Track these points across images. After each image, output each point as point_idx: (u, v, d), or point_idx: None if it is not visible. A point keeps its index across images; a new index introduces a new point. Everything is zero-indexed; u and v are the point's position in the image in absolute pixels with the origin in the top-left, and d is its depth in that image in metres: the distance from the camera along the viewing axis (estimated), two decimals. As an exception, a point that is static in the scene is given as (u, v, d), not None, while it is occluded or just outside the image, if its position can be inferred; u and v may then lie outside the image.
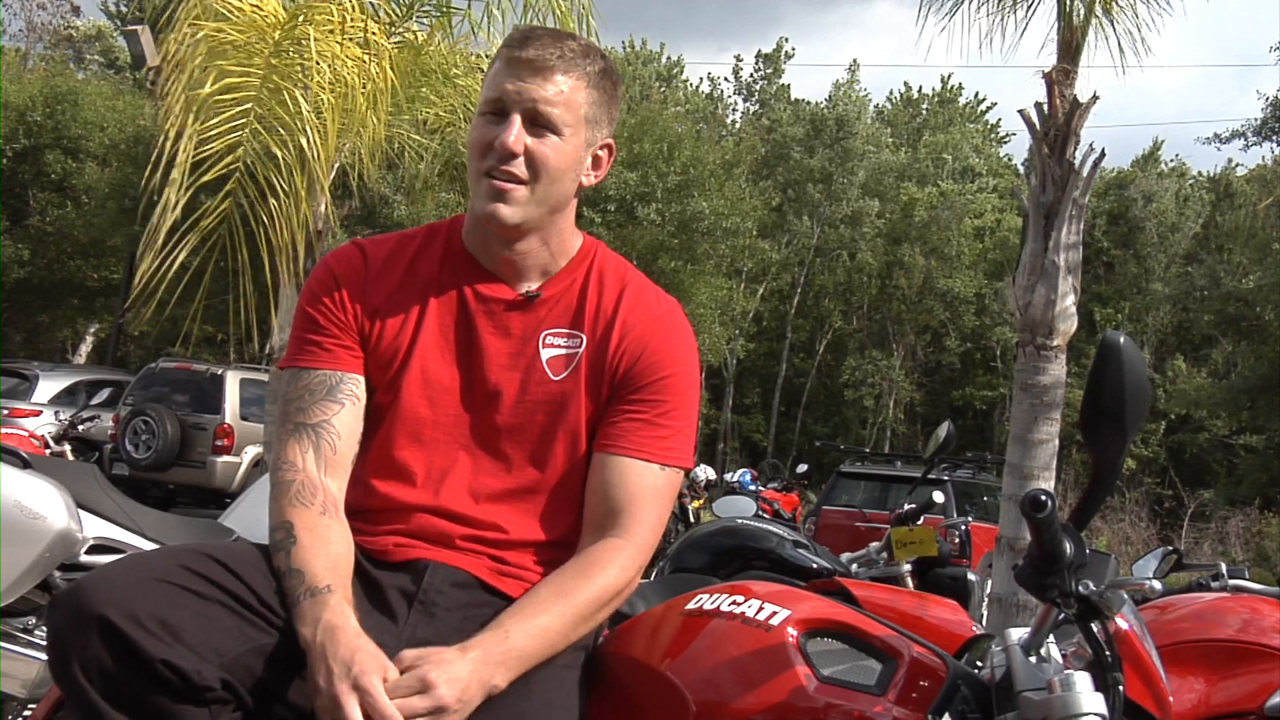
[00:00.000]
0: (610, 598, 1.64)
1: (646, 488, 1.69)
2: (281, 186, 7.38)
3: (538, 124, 1.67)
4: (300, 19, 7.36)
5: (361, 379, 1.73)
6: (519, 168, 1.67)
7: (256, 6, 7.45)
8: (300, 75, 7.32)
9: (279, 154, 7.34)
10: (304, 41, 7.25)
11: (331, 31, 7.32)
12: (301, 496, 1.64)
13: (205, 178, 7.16)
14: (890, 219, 31.21)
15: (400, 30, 8.06)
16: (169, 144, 7.16)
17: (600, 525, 1.68)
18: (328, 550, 1.59)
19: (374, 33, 7.51)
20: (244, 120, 7.20)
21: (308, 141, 7.18)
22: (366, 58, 7.34)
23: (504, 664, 1.51)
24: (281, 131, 7.33)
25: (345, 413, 1.70)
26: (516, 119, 1.66)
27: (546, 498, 1.72)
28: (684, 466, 1.74)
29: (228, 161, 7.18)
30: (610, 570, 1.64)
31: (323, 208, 7.91)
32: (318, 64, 7.14)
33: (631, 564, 1.67)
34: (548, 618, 1.57)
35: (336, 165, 7.86)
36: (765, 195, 27.20)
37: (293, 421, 1.69)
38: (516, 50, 1.67)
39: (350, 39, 7.43)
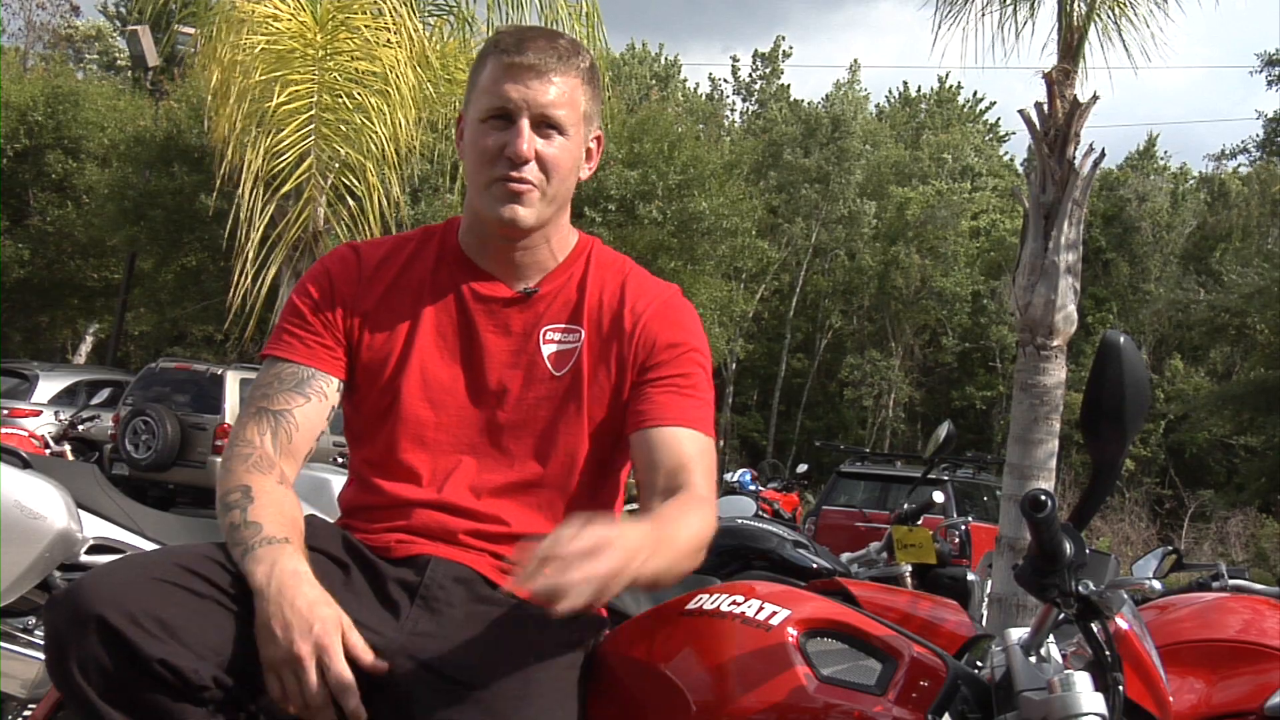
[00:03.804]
0: (705, 543, 1.59)
1: (697, 452, 1.68)
2: (359, 189, 7.48)
3: (545, 126, 1.68)
4: (341, 20, 7.42)
5: (334, 379, 1.73)
6: (531, 172, 1.68)
7: (293, 14, 7.49)
8: (354, 76, 7.40)
9: (349, 154, 7.43)
10: (353, 41, 7.33)
11: (377, 30, 7.40)
12: (259, 466, 1.64)
13: (284, 189, 7.25)
14: (886, 218, 31.20)
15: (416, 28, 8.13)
16: (233, 158, 7.23)
17: (667, 490, 1.65)
18: (284, 510, 1.59)
19: (413, 29, 7.58)
20: (310, 128, 7.28)
21: (376, 138, 7.28)
22: (402, 54, 7.41)
23: (654, 553, 1.45)
24: (344, 129, 7.42)
25: (309, 406, 1.70)
26: (525, 125, 1.67)
27: (549, 492, 1.72)
28: (712, 436, 1.74)
29: (301, 171, 7.26)
30: (707, 513, 1.62)
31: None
32: (377, 62, 7.22)
33: (713, 517, 1.64)
34: (678, 532, 1.53)
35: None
36: (764, 196, 27.22)
37: (255, 405, 1.70)
38: (515, 55, 1.68)
39: (388, 34, 7.50)
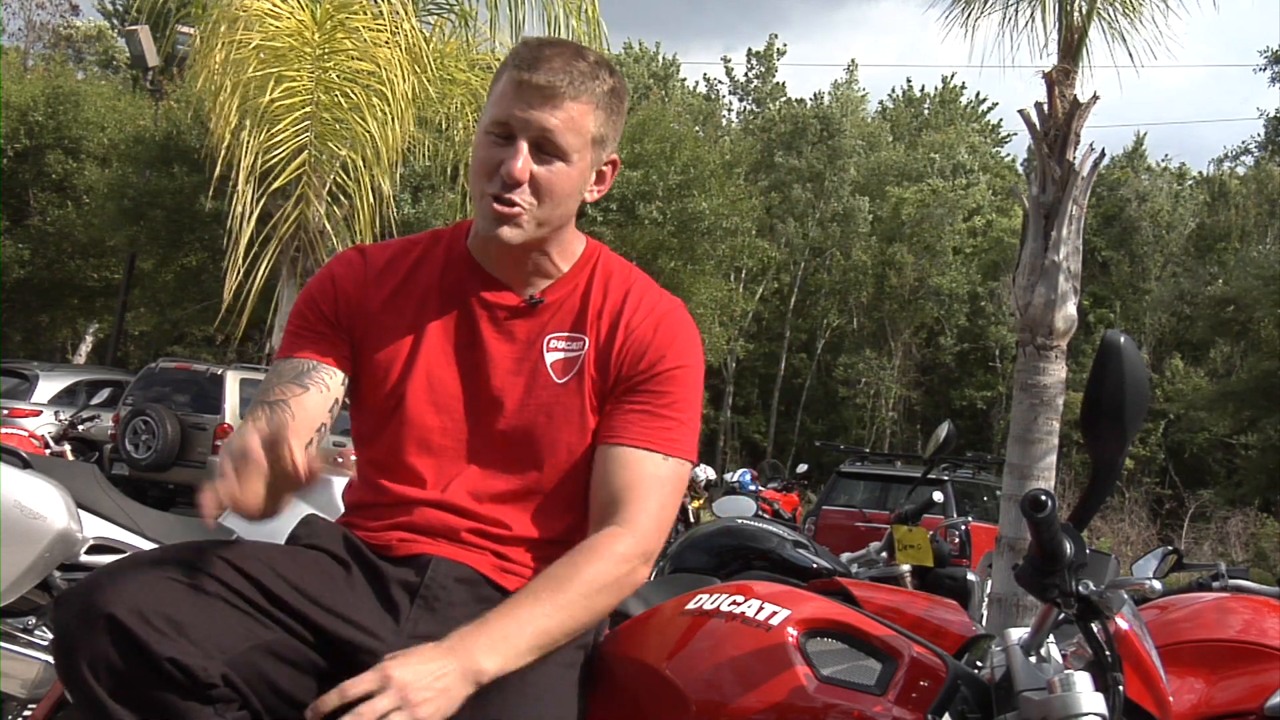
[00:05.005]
0: (604, 585, 1.59)
1: (647, 476, 1.67)
2: (351, 187, 7.49)
3: (545, 150, 1.66)
4: (339, 20, 7.44)
5: (338, 373, 1.73)
6: (524, 195, 1.66)
7: (292, 12, 7.51)
8: (351, 75, 7.41)
9: (344, 154, 7.44)
10: (349, 40, 7.34)
11: (375, 30, 7.41)
12: (253, 430, 1.61)
13: (276, 184, 7.25)
14: (882, 217, 31.20)
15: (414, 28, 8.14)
16: (228, 154, 7.23)
17: (602, 517, 1.66)
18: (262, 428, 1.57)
19: (411, 30, 7.60)
20: (306, 124, 7.29)
21: (371, 137, 7.28)
22: (400, 55, 7.42)
23: (486, 651, 1.47)
24: (340, 127, 7.42)
25: (307, 396, 1.69)
26: (523, 146, 1.65)
27: (550, 498, 1.72)
28: (687, 459, 1.72)
29: (294, 167, 7.26)
30: (605, 558, 1.60)
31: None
32: (374, 62, 7.23)
33: (631, 551, 1.62)
34: (535, 605, 1.53)
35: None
36: (762, 197, 27.24)
37: (256, 401, 1.71)
38: (526, 74, 1.65)
39: (383, 34, 7.52)
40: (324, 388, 1.71)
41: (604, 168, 1.76)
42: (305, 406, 1.68)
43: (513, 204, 1.65)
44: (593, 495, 1.69)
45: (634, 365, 1.72)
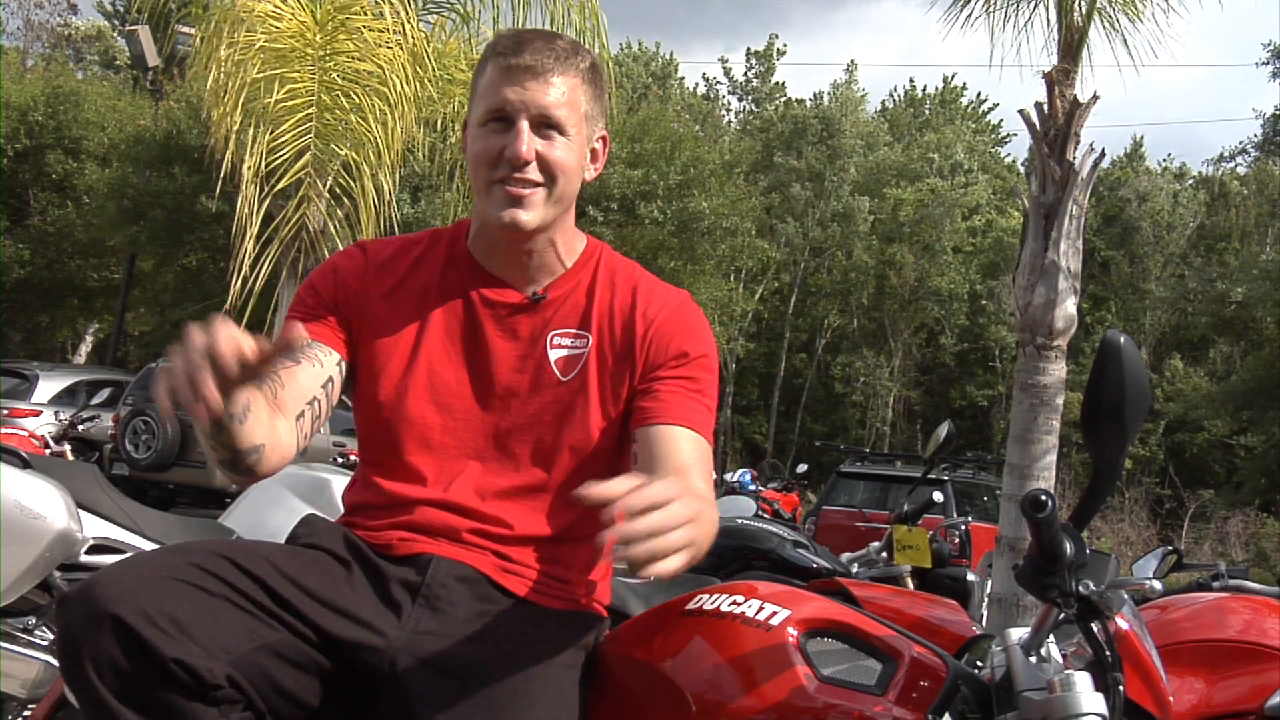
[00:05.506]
0: (712, 540, 1.49)
1: (701, 456, 1.67)
2: (354, 188, 7.49)
3: (545, 127, 1.68)
4: (341, 20, 7.45)
5: (334, 353, 1.72)
6: (533, 174, 1.67)
7: (293, 13, 7.52)
8: (353, 76, 7.42)
9: (346, 154, 7.44)
10: (351, 41, 7.34)
11: (376, 31, 7.42)
12: None
13: (279, 185, 7.26)
14: (881, 218, 31.19)
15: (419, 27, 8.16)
16: (232, 156, 7.24)
17: None
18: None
19: (412, 30, 7.61)
20: (308, 125, 7.30)
21: (372, 138, 7.28)
22: (401, 55, 7.43)
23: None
24: (342, 128, 7.43)
25: (298, 369, 1.67)
26: (524, 126, 1.67)
27: (552, 496, 1.72)
28: (711, 444, 1.74)
29: (298, 168, 7.27)
30: (713, 513, 1.50)
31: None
32: (375, 63, 7.24)
33: (716, 518, 1.52)
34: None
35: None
36: (761, 198, 27.24)
37: None
38: (512, 58, 1.68)
39: (384, 34, 7.53)
40: (317, 363, 1.70)
41: (596, 145, 1.78)
42: (295, 377, 1.66)
43: (524, 184, 1.67)
44: (650, 470, 1.62)
45: (662, 352, 1.73)
